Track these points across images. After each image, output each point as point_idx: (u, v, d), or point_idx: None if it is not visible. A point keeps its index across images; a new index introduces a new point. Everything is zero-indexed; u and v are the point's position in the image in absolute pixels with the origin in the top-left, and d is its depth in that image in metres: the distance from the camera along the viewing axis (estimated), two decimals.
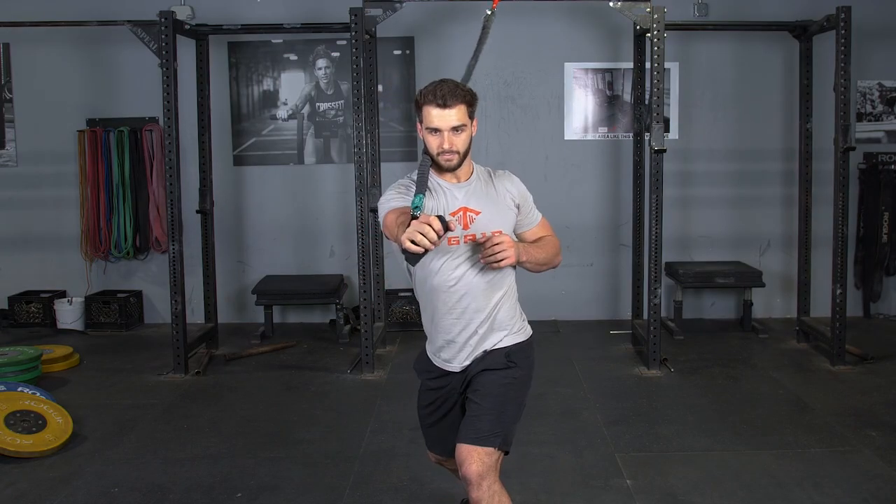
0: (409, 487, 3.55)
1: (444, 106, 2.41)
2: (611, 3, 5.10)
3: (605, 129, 6.57)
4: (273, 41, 6.50)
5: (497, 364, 2.56)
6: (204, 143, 5.78)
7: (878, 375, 5.08)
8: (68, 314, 6.42)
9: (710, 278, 6.21)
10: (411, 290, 6.32)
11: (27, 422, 3.99)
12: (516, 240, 2.62)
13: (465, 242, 2.51)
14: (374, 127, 5.68)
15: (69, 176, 6.53)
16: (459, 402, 2.67)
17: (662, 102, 5.07)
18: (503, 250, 2.39)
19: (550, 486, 3.55)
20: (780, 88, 6.47)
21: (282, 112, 6.57)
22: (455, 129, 2.44)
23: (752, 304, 6.23)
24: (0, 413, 3.96)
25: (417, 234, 2.11)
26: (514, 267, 2.61)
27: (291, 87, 6.56)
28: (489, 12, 2.88)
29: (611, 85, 6.53)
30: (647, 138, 5.47)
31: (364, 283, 5.19)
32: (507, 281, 2.60)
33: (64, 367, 5.39)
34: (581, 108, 6.56)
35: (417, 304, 6.76)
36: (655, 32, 5.02)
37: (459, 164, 2.50)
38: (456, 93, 2.42)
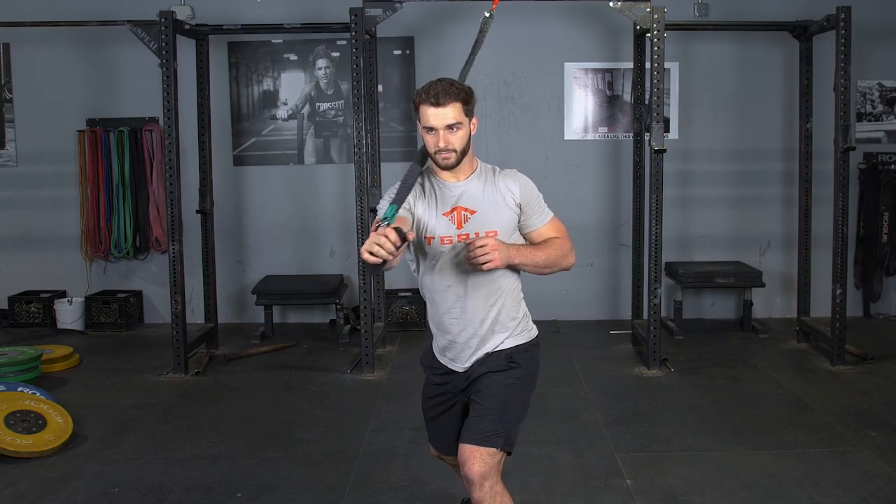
0: (409, 487, 3.55)
1: (437, 104, 2.41)
2: (611, 3, 5.10)
3: (605, 129, 6.57)
4: (273, 41, 6.50)
5: (499, 366, 2.56)
6: (204, 143, 5.78)
7: (878, 375, 5.08)
8: (68, 314, 6.42)
9: (710, 278, 6.21)
10: (411, 290, 6.43)
11: (27, 422, 3.99)
12: (518, 240, 2.60)
13: (458, 242, 2.51)
14: (374, 127, 5.69)
15: (69, 176, 6.53)
16: (461, 402, 2.67)
17: (662, 102, 5.07)
18: (486, 252, 2.37)
19: (550, 486, 3.55)
20: (780, 88, 6.47)
21: (282, 112, 6.57)
22: (450, 127, 2.43)
23: (752, 304, 6.23)
24: (0, 413, 3.96)
25: (375, 246, 2.18)
26: (517, 271, 2.60)
27: (291, 87, 6.56)
28: (487, 15, 2.89)
29: (611, 85, 6.53)
30: (647, 138, 5.47)
31: (364, 283, 5.19)
32: (508, 282, 2.59)
33: (64, 367, 5.39)
34: (581, 108, 6.56)
35: (417, 304, 6.83)
36: (655, 32, 5.02)
37: (457, 163, 2.49)
38: (450, 91, 2.42)
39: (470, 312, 2.55)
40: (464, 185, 2.54)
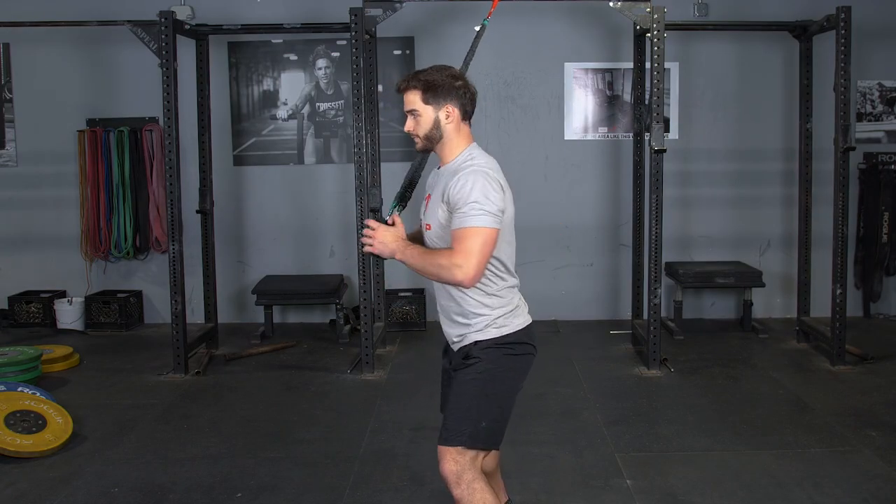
0: (409, 487, 3.55)
1: (399, 90, 2.56)
2: (611, 3, 5.10)
3: (605, 129, 6.57)
4: (273, 41, 6.50)
5: (459, 364, 2.58)
6: (204, 143, 5.78)
7: (878, 375, 5.08)
8: (68, 314, 6.42)
9: (710, 278, 6.21)
10: (411, 290, 6.43)
11: (27, 422, 3.99)
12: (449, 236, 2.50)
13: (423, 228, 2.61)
14: (374, 127, 5.69)
15: (69, 176, 6.53)
16: (448, 382, 2.68)
17: (662, 102, 5.07)
18: (367, 238, 2.56)
19: (550, 486, 3.55)
20: (780, 88, 6.47)
21: (282, 112, 6.57)
22: (410, 112, 2.54)
23: (752, 304, 6.23)
24: (0, 413, 3.96)
25: (366, 239, 2.52)
26: (499, 261, 2.53)
27: (291, 87, 6.56)
28: (484, 24, 2.97)
29: (611, 85, 6.53)
30: (647, 138, 5.47)
31: (364, 283, 5.19)
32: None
33: (64, 367, 5.39)
34: (581, 108, 6.56)
35: (417, 304, 6.82)
36: (655, 32, 5.02)
37: (425, 148, 2.58)
38: (410, 79, 2.55)
39: (444, 297, 2.61)
40: (440, 173, 2.60)
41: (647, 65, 5.32)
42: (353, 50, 5.06)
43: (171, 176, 5.14)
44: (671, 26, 5.24)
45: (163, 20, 5.03)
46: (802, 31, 5.73)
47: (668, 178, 5.53)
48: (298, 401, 4.77)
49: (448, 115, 2.53)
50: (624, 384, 5.01)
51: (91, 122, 6.51)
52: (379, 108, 5.95)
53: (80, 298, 6.49)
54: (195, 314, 6.30)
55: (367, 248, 2.57)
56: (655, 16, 5.01)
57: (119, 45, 6.28)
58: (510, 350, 2.56)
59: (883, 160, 6.45)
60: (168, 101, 5.07)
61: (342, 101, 6.53)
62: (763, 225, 6.59)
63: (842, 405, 4.54)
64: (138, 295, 6.66)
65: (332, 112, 6.57)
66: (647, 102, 5.45)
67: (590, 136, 6.58)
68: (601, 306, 6.67)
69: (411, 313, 6.30)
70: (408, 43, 6.48)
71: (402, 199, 2.63)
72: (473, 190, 2.39)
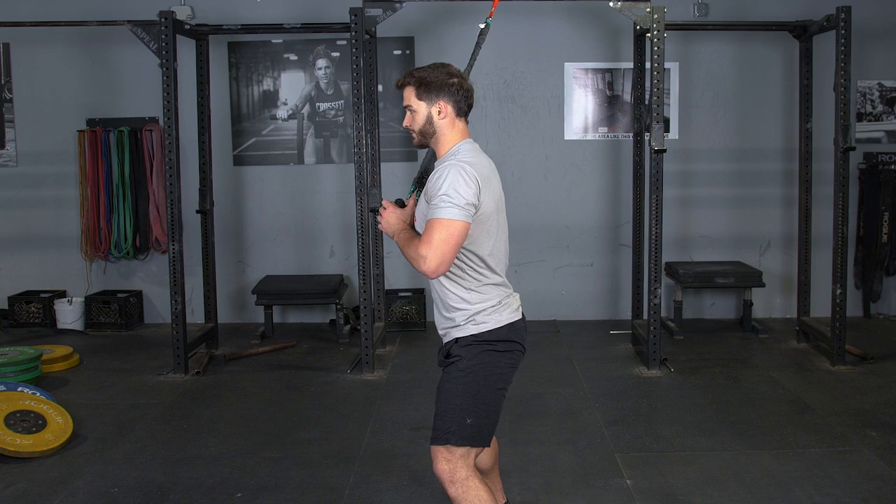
0: (409, 487, 3.55)
1: (397, 87, 2.65)
2: (611, 3, 5.10)
3: (605, 129, 6.57)
4: (273, 41, 6.50)
5: (442, 362, 2.64)
6: (204, 143, 5.78)
7: (878, 375, 5.08)
8: (68, 314, 6.42)
9: (710, 278, 6.21)
10: (411, 290, 6.43)
11: (27, 422, 3.99)
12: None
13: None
14: (374, 127, 5.69)
15: (69, 176, 6.53)
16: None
17: (662, 102, 5.06)
18: (382, 218, 2.60)
19: (550, 486, 3.55)
20: (780, 88, 6.48)
21: (282, 112, 6.57)
22: (407, 108, 2.62)
23: (752, 304, 6.23)
24: (0, 413, 3.96)
25: (380, 217, 2.60)
26: (477, 256, 2.52)
27: (291, 87, 6.56)
28: (487, 22, 3.00)
29: (611, 85, 6.53)
30: (647, 138, 5.47)
31: (364, 283, 5.19)
32: (458, 264, 2.53)
33: (64, 367, 5.39)
34: (581, 108, 6.56)
35: (417, 304, 6.81)
36: (655, 32, 5.02)
37: (420, 144, 2.65)
38: (406, 76, 2.62)
39: (434, 291, 2.66)
40: (435, 166, 2.63)
41: (647, 65, 5.32)
42: (353, 50, 5.06)
43: (171, 176, 5.14)
44: (671, 26, 5.25)
45: (163, 20, 5.03)
46: (802, 31, 5.73)
47: (668, 178, 5.54)
48: (298, 401, 4.77)
49: (441, 111, 2.57)
50: (624, 384, 5.01)
51: (91, 122, 6.51)
52: (379, 108, 5.95)
53: (80, 298, 6.49)
54: (195, 314, 6.31)
55: (379, 226, 2.66)
56: (655, 16, 5.01)
57: (119, 45, 6.28)
58: (491, 347, 2.55)
59: (883, 160, 6.45)
60: (168, 101, 5.07)
61: (342, 101, 6.53)
62: (763, 225, 6.59)
63: (842, 405, 4.54)
64: (138, 295, 6.66)
65: (332, 112, 6.57)
66: (647, 102, 5.45)
67: (590, 136, 6.58)
68: (601, 306, 6.67)
69: (411, 313, 6.30)
70: (408, 43, 6.48)
71: (420, 183, 2.68)
72: (444, 183, 2.42)
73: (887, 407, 4.50)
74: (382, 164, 5.85)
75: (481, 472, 2.66)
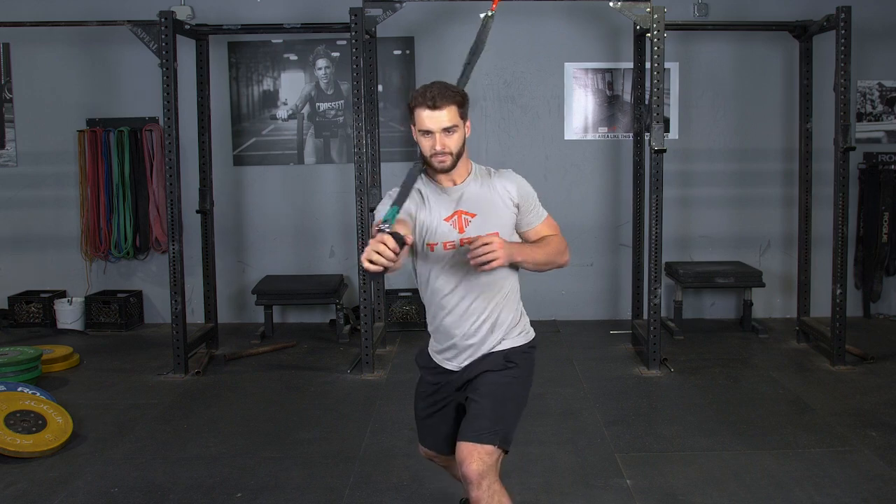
0: (409, 487, 3.55)
1: (434, 107, 2.42)
2: (611, 3, 5.10)
3: (605, 129, 6.57)
4: (273, 41, 6.50)
5: (497, 365, 2.57)
6: (204, 143, 5.78)
7: (878, 375, 5.08)
8: (68, 314, 6.42)
9: (710, 278, 6.21)
10: (411, 291, 6.43)
11: (27, 422, 3.99)
12: (519, 239, 2.61)
13: (461, 245, 2.50)
14: (374, 127, 5.69)
15: (69, 176, 6.53)
16: (455, 402, 2.67)
17: (662, 102, 5.07)
18: (491, 251, 2.35)
19: (550, 486, 3.55)
20: (780, 88, 6.47)
21: (282, 112, 6.57)
22: (446, 130, 2.44)
23: (752, 304, 6.23)
24: (0, 413, 3.96)
25: (374, 254, 2.15)
26: (517, 268, 2.61)
27: (291, 87, 6.56)
28: (489, 14, 2.85)
29: (611, 85, 6.53)
30: (647, 138, 5.47)
31: (364, 283, 5.19)
32: (508, 283, 2.60)
33: (64, 367, 5.39)
34: (581, 108, 6.56)
35: (417, 304, 6.81)
36: (655, 32, 5.02)
37: (453, 166, 2.49)
38: (446, 94, 2.43)
39: (472, 315, 2.55)
40: (462, 188, 2.54)
41: (647, 65, 5.32)
42: (353, 50, 5.06)
43: (171, 176, 5.14)
44: (671, 26, 5.24)
45: (163, 20, 5.03)
46: (802, 31, 5.73)
47: (668, 178, 5.54)
48: (298, 401, 4.77)
49: (468, 129, 2.54)
50: (624, 384, 5.01)
51: (91, 122, 6.51)
52: (379, 108, 5.95)
53: (80, 298, 6.49)
54: (195, 314, 6.30)
55: (495, 263, 2.36)
56: (655, 16, 5.01)
57: (119, 45, 6.28)
58: (535, 355, 2.68)
59: (883, 160, 6.45)
60: (168, 101, 5.07)
61: (342, 101, 6.53)
62: (763, 225, 6.59)
63: (842, 405, 4.54)
64: (138, 295, 6.66)
65: (332, 112, 6.57)
66: (647, 102, 5.45)
67: (590, 136, 6.58)
68: (601, 306, 6.67)
69: (411, 313, 6.30)
70: (408, 43, 6.48)
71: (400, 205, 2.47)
72: (529, 186, 2.62)
73: (887, 407, 4.50)
74: (382, 164, 5.85)
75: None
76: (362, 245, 5.18)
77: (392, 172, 6.10)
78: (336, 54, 6.51)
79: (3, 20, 5.69)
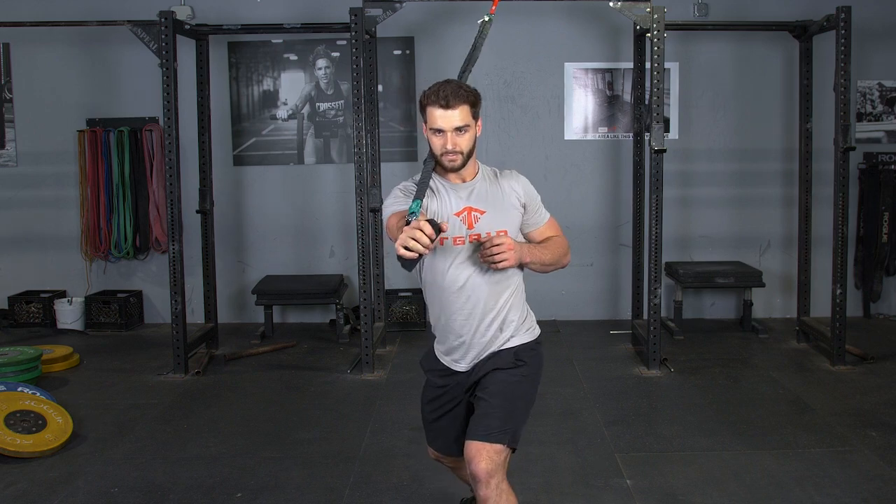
0: (409, 487, 3.55)
1: (447, 107, 2.43)
2: (611, 3, 5.10)
3: (605, 129, 6.57)
4: (273, 41, 6.50)
5: (506, 363, 2.57)
6: (204, 143, 5.78)
7: (878, 375, 5.08)
8: (68, 314, 6.42)
9: (710, 278, 6.21)
10: (411, 291, 6.43)
11: (27, 422, 3.99)
12: (523, 240, 2.62)
13: (469, 242, 2.51)
14: (374, 127, 5.69)
15: (69, 176, 6.53)
16: (464, 401, 2.67)
17: (662, 102, 5.06)
18: (502, 251, 2.40)
19: (550, 486, 3.55)
20: (780, 88, 6.47)
21: (282, 112, 6.57)
22: (458, 129, 2.45)
23: (752, 304, 6.23)
24: (0, 413, 3.96)
25: (410, 241, 2.15)
26: (522, 268, 2.61)
27: (291, 87, 6.56)
28: (487, 19, 2.88)
29: (611, 85, 6.53)
30: (647, 138, 5.47)
31: (364, 283, 5.19)
32: (515, 280, 2.61)
33: (64, 367, 5.39)
34: (581, 108, 6.56)
35: (417, 304, 6.81)
36: (655, 32, 5.02)
37: (463, 165, 2.51)
38: (459, 93, 2.44)
39: (480, 312, 2.56)
40: (471, 186, 2.56)
41: (647, 65, 5.32)
42: (353, 50, 5.06)
43: (171, 176, 5.14)
44: (671, 26, 5.24)
45: (163, 20, 5.03)
46: (802, 31, 5.73)
47: (668, 178, 5.54)
48: (298, 401, 4.77)
49: (479, 128, 2.56)
50: (624, 384, 5.01)
51: (91, 122, 6.51)
52: (379, 108, 5.95)
53: (80, 298, 6.49)
54: (195, 314, 6.31)
55: (506, 263, 2.43)
56: (655, 16, 5.01)
57: (119, 45, 6.28)
58: (542, 351, 2.68)
59: (883, 160, 6.45)
60: (168, 101, 5.07)
61: (342, 101, 6.53)
62: (763, 225, 6.59)
63: (842, 405, 4.54)
64: (138, 295, 6.66)
65: (332, 112, 6.57)
66: (647, 102, 5.46)
67: (590, 136, 6.58)
68: (601, 306, 6.67)
69: (411, 313, 6.30)
70: (408, 43, 6.48)
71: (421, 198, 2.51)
72: (533, 188, 2.63)
73: (887, 407, 4.50)
74: (382, 164, 5.85)
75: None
76: (362, 245, 5.18)
77: (392, 172, 6.11)
78: (336, 54, 6.51)
79: (3, 20, 5.69)
